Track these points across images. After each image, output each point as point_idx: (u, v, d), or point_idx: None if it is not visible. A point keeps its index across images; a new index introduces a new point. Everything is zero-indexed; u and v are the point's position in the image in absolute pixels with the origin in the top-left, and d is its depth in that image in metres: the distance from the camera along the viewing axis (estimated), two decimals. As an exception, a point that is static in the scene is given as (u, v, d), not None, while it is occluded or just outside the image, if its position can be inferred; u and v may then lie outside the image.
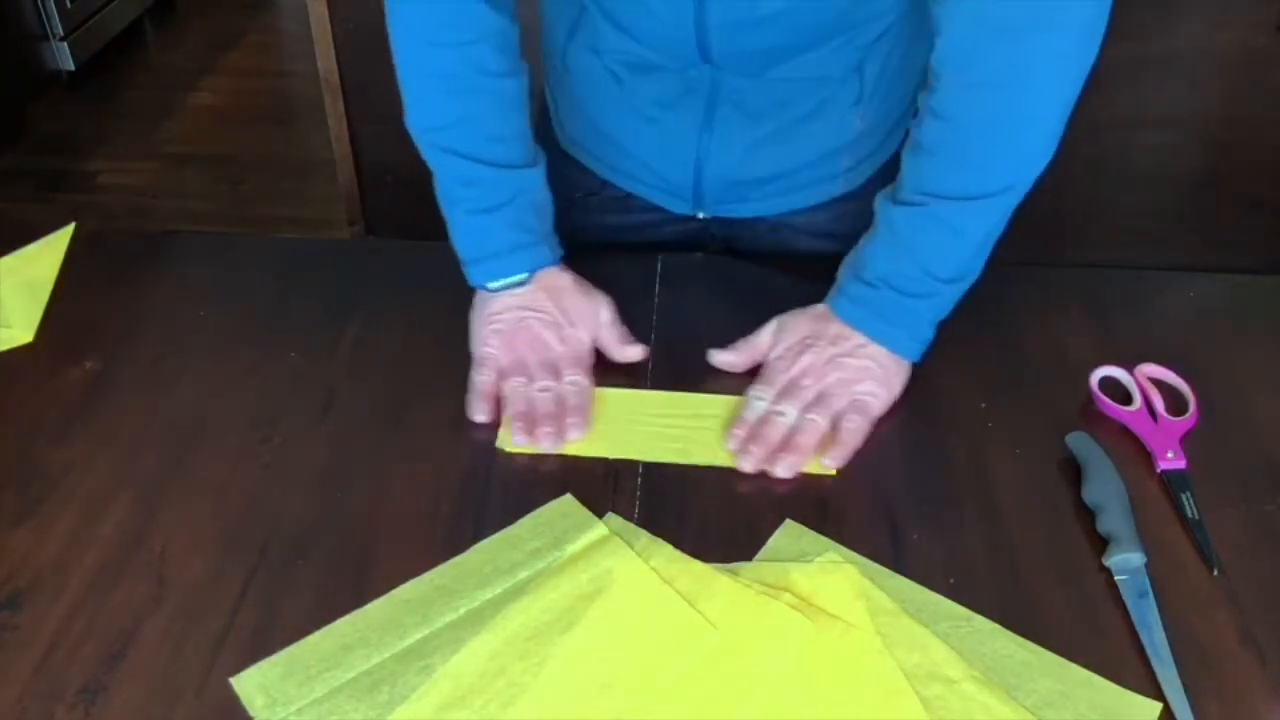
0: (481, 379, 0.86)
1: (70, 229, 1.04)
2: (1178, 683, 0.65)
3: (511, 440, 0.82)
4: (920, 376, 0.88)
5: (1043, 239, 2.10)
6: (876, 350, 0.85)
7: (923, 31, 0.98)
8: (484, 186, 0.90)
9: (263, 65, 3.41)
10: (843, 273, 0.89)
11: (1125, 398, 0.85)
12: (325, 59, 1.98)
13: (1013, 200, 0.83)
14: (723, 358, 0.88)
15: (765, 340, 0.88)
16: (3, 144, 2.92)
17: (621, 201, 1.09)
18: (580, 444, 0.82)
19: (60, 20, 2.98)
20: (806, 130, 0.98)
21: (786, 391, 0.84)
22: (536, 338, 0.89)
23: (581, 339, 0.89)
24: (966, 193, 0.82)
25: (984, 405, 0.85)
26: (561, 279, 0.91)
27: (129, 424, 0.83)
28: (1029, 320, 0.94)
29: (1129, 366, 0.87)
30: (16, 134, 2.97)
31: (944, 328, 0.91)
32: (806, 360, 0.85)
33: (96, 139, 3.01)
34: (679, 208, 1.06)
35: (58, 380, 0.88)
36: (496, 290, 0.90)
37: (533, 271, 0.90)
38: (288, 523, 0.75)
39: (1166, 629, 0.68)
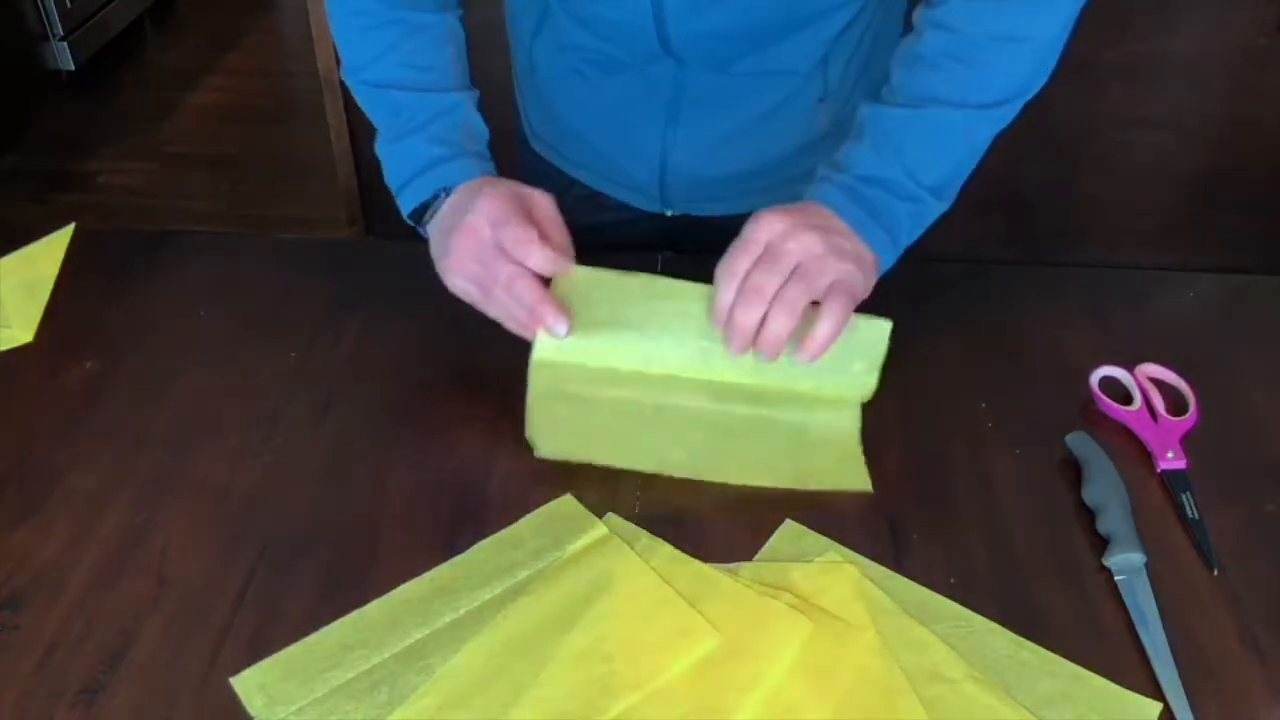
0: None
1: (70, 229, 1.04)
2: (1178, 683, 0.65)
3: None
4: (920, 376, 0.88)
5: (1043, 239, 2.12)
6: (859, 244, 0.80)
7: (887, 31, 0.98)
8: (407, 111, 0.89)
9: (263, 65, 3.41)
10: (822, 170, 0.84)
11: (1125, 398, 0.85)
12: (325, 59, 1.99)
13: (1007, 115, 0.83)
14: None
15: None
16: (3, 144, 2.92)
17: (589, 200, 1.09)
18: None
19: (60, 20, 2.98)
20: (771, 127, 0.98)
21: (767, 257, 0.76)
22: (476, 234, 0.81)
23: (517, 227, 0.81)
24: (965, 100, 0.82)
25: (984, 405, 0.85)
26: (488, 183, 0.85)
27: (129, 424, 0.83)
28: (1029, 320, 0.94)
29: (1129, 366, 0.87)
30: (16, 134, 2.97)
31: (944, 328, 0.91)
32: (788, 223, 0.77)
33: (96, 139, 3.01)
34: (646, 205, 1.06)
35: (58, 380, 0.87)
36: (420, 223, 0.87)
37: (450, 187, 0.85)
38: (288, 523, 0.75)
39: (1166, 629, 0.68)
